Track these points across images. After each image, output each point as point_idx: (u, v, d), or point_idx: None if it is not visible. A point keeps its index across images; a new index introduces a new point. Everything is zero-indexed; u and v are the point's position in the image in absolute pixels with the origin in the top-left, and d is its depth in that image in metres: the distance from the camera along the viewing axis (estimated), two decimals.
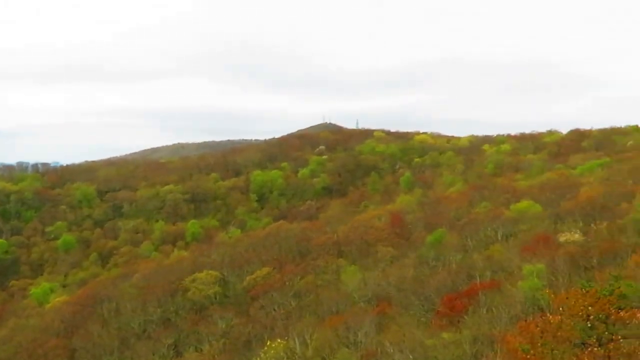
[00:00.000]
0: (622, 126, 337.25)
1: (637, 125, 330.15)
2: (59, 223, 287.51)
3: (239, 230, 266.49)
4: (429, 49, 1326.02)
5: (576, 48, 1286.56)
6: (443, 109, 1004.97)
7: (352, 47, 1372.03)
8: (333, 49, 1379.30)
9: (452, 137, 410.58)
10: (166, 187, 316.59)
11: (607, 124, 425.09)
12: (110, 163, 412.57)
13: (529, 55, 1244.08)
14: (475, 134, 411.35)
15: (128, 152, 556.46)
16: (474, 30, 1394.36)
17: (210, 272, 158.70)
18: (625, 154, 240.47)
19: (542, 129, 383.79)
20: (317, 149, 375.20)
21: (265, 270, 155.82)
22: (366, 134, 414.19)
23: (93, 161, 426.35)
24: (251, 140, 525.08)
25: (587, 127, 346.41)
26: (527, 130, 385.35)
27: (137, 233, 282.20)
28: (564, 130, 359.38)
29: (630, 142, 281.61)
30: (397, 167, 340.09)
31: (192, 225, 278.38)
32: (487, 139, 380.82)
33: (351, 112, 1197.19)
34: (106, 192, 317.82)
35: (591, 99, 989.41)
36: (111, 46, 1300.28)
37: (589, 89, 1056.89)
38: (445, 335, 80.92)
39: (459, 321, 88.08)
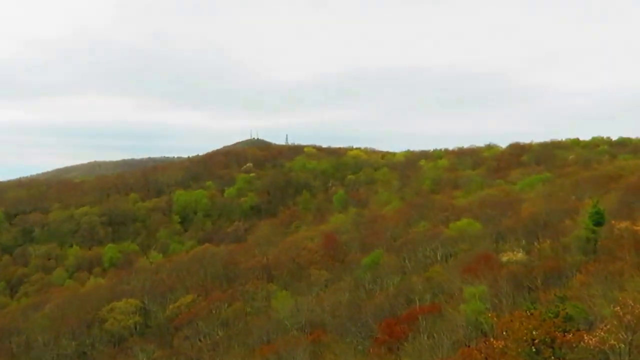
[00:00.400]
0: (563, 139, 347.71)
1: (578, 139, 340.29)
2: None
3: (161, 255, 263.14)
4: (360, 61, 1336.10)
5: (514, 59, 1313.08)
6: (377, 123, 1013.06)
7: (279, 59, 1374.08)
8: (258, 61, 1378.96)
9: (387, 152, 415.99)
10: (81, 209, 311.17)
11: (547, 137, 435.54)
12: (19, 184, 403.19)
13: (464, 67, 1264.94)
14: (411, 149, 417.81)
15: (39, 171, 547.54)
16: (407, 41, 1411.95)
17: (129, 300, 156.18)
18: (567, 169, 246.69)
19: (481, 143, 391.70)
20: (245, 167, 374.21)
21: (190, 297, 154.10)
22: (296, 150, 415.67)
23: (1, 182, 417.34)
24: (173, 157, 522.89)
25: (527, 141, 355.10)
26: (465, 145, 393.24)
27: (50, 259, 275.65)
28: (503, 144, 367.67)
29: (571, 156, 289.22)
30: (330, 184, 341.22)
31: (109, 250, 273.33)
32: (423, 154, 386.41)
33: (280, 128, 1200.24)
34: (15, 214, 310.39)
35: (531, 112, 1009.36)
36: (18, 58, 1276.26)
37: (528, 102, 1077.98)
38: None
39: (398, 348, 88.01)
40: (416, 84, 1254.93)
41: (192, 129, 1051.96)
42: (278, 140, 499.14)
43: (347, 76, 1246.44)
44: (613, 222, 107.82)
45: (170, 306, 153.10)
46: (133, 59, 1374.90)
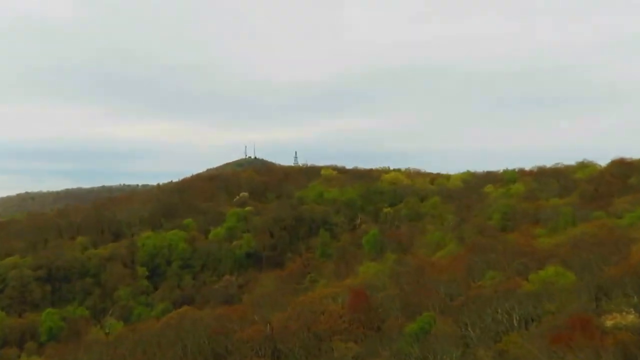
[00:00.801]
0: None
1: None
2: None
3: (121, 323, 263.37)
4: (390, 52, 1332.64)
5: (605, 46, 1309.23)
6: (419, 135, 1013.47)
7: (282, 54, 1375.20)
8: (255, 57, 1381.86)
9: (438, 174, 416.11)
10: (8, 260, 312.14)
11: None
12: None
13: (538, 59, 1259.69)
14: (472, 169, 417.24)
15: None
16: (452, 26, 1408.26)
17: None
18: None
19: (570, 160, 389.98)
20: (238, 197, 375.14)
21: None
22: (310, 172, 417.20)
23: None
24: (137, 186, 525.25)
25: (636, 156, 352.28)
26: (549, 163, 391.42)
27: None
28: (603, 161, 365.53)
29: None
30: (358, 221, 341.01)
31: (48, 317, 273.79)
32: (489, 177, 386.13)
33: (286, 143, 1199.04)
34: None
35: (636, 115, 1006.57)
36: None
37: (633, 101, 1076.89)
38: None
39: None
40: (469, 82, 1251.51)
41: (163, 147, 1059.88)
42: (284, 159, 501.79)
43: (373, 73, 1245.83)
44: None
45: None
46: (82, 59, 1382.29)
